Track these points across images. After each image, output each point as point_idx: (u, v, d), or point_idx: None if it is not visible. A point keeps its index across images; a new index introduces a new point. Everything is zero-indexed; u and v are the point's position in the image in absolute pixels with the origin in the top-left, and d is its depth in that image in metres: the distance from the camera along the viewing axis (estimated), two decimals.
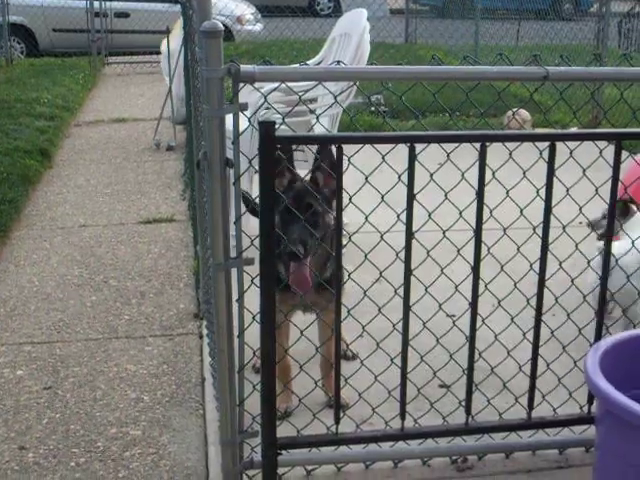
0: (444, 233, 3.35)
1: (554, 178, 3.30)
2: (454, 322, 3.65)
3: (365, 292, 3.45)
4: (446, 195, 3.22)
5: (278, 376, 3.47)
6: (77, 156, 9.50)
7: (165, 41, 9.52)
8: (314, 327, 4.07)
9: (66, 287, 5.96)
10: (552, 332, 3.73)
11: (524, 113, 9.58)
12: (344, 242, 3.27)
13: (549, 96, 10.58)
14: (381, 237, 3.28)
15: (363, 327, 3.55)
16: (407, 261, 3.24)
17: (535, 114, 9.73)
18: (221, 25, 2.86)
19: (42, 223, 7.29)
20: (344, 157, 3.08)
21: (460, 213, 3.25)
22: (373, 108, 10.12)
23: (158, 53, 10.50)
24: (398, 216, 3.14)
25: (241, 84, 2.96)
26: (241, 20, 17.00)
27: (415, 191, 3.15)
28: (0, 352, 5.04)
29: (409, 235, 3.18)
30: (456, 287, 3.56)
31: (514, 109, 8.86)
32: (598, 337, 3.57)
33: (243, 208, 3.13)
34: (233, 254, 3.10)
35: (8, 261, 6.45)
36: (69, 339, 5.20)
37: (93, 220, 7.35)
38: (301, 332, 3.60)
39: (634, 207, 4.68)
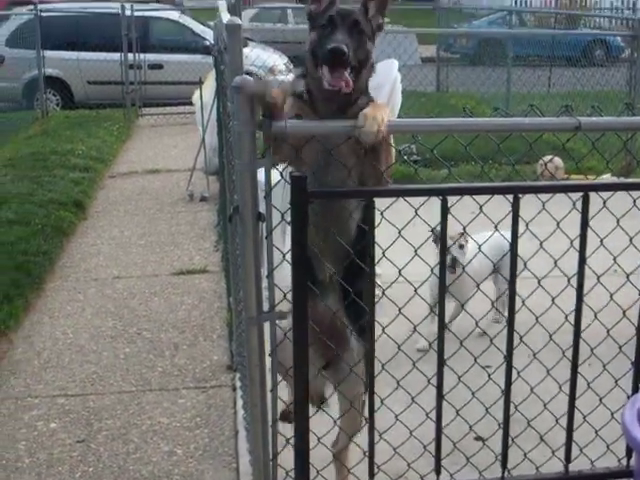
0: (478, 286, 3.32)
1: (588, 227, 3.27)
2: (489, 375, 3.60)
3: (399, 346, 3.42)
4: (479, 248, 3.20)
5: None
6: (111, 207, 9.57)
7: (198, 92, 9.60)
8: None
9: (100, 339, 5.97)
10: (589, 384, 3.67)
11: (557, 161, 9.54)
12: (378, 294, 3.25)
13: (582, 143, 10.52)
14: (415, 291, 3.26)
15: (398, 382, 3.51)
16: (441, 314, 3.21)
17: (568, 161, 9.69)
18: (252, 80, 2.87)
19: (76, 275, 7.33)
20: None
21: (494, 265, 3.22)
22: (405, 157, 10.14)
23: (191, 104, 10.58)
24: (432, 270, 3.12)
25: None
26: (274, 71, 17.11)
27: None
28: (34, 405, 5.05)
29: (442, 288, 3.16)
30: (491, 340, 3.53)
31: (547, 157, 8.83)
32: (635, 389, 3.51)
33: (276, 261, 3.12)
34: (266, 307, 3.09)
35: (43, 313, 6.48)
36: (102, 391, 5.20)
37: (127, 272, 7.38)
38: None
39: None
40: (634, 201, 3.35)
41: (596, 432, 3.78)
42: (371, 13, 3.30)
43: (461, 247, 5.10)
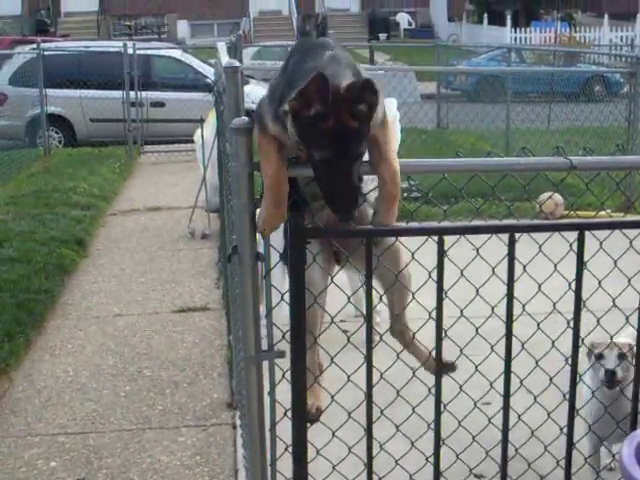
0: (477, 330, 3.34)
1: (586, 264, 3.29)
2: (490, 419, 3.60)
3: (398, 392, 3.43)
4: (477, 291, 3.22)
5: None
6: (113, 245, 9.61)
7: (199, 131, 9.66)
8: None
9: (100, 377, 5.98)
10: (590, 426, 3.67)
11: (557, 197, 9.55)
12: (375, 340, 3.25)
13: (582, 179, 10.57)
14: (413, 336, 3.27)
15: (397, 427, 3.52)
16: (438, 360, 3.21)
17: (568, 197, 9.73)
18: (250, 122, 2.91)
19: (77, 312, 7.35)
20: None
21: (492, 309, 3.24)
22: (405, 194, 10.20)
23: (193, 142, 10.64)
24: (430, 314, 3.13)
25: None
26: None
27: (446, 283, 3.14)
28: (34, 443, 5.05)
29: (439, 335, 3.16)
30: (491, 384, 3.54)
31: (547, 194, 8.86)
32: (633, 427, 3.52)
33: (274, 301, 3.14)
34: (265, 345, 3.11)
35: (44, 350, 6.50)
36: (103, 430, 5.21)
37: (128, 309, 7.40)
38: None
39: None
40: (630, 242, 3.36)
41: (597, 473, 3.79)
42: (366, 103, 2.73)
43: (622, 357, 3.96)
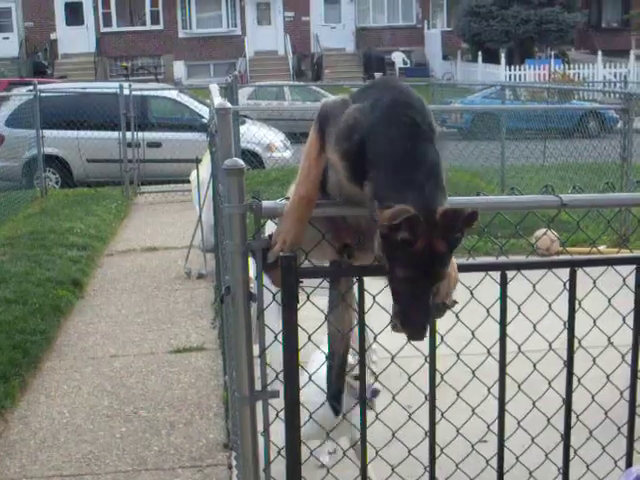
0: (474, 373, 3.34)
1: (581, 302, 3.29)
2: (487, 461, 3.59)
3: (394, 433, 3.42)
4: (473, 333, 3.23)
5: None
6: (109, 285, 9.61)
7: (195, 171, 9.70)
8: None
9: (96, 418, 5.96)
10: (588, 466, 3.66)
11: (551, 233, 9.62)
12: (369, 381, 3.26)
13: (576, 215, 10.60)
14: (409, 379, 3.27)
15: (393, 468, 3.51)
16: (431, 414, 3.22)
17: (563, 233, 9.76)
18: (242, 163, 2.91)
19: (73, 353, 7.34)
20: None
21: (488, 351, 3.25)
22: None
23: (189, 182, 10.68)
24: (426, 359, 3.14)
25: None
26: (271, 147, 17.29)
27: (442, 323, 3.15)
28: None
29: (432, 380, 3.16)
30: (488, 426, 3.53)
31: (541, 230, 8.91)
32: (629, 462, 3.51)
33: (267, 342, 3.15)
34: (259, 386, 3.11)
35: (39, 392, 6.48)
36: (98, 471, 5.19)
37: (124, 350, 7.39)
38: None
39: None
40: (624, 279, 3.37)
41: None
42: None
43: None
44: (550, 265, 3.21)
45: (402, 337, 2.65)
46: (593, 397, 3.72)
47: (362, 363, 3.11)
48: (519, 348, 3.35)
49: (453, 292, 2.85)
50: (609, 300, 3.41)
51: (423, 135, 2.71)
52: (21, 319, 7.74)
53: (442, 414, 3.37)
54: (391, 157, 2.65)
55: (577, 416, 3.49)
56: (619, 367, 3.68)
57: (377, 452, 3.48)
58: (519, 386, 3.48)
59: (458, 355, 3.28)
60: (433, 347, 3.07)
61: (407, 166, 2.63)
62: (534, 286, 3.25)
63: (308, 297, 3.20)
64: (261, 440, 3.16)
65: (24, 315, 7.85)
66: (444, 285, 2.79)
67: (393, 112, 2.73)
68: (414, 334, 2.62)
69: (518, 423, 3.52)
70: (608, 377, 3.60)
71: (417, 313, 2.60)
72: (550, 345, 3.44)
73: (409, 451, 3.48)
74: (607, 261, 3.34)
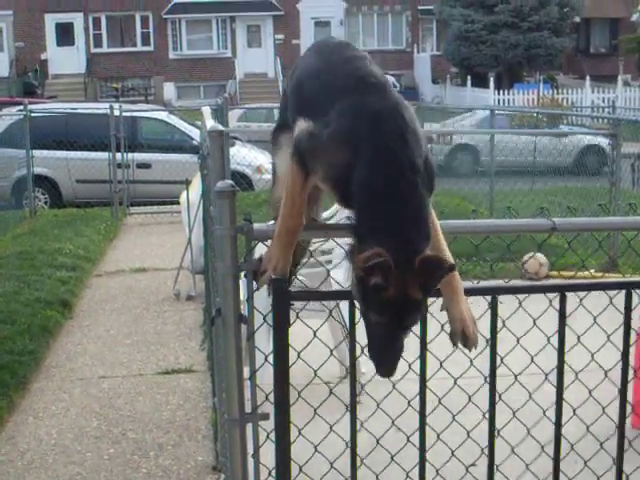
0: (470, 398, 3.35)
1: (567, 325, 3.31)
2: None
3: (378, 440, 3.42)
4: (472, 361, 3.24)
5: None
6: (97, 306, 9.58)
7: (184, 193, 9.71)
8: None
9: (84, 439, 5.94)
10: None
11: (540, 257, 9.65)
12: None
13: (565, 239, 10.66)
14: (393, 386, 3.28)
15: (377, 476, 3.51)
16: (422, 416, 3.22)
17: (552, 257, 9.80)
18: (234, 186, 2.93)
19: (62, 374, 7.31)
20: None
21: (485, 379, 3.26)
22: None
23: (178, 203, 10.68)
24: (409, 365, 3.15)
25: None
26: (261, 169, 17.32)
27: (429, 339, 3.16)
28: None
29: (423, 387, 3.17)
30: (482, 450, 3.53)
31: (530, 254, 8.93)
32: None
33: (258, 363, 3.15)
34: (249, 408, 3.11)
35: (27, 413, 6.45)
36: None
37: (112, 371, 7.37)
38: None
39: None
40: (610, 300, 3.39)
41: None
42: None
43: None
44: (540, 289, 3.22)
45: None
46: (588, 428, 3.73)
47: (353, 386, 3.12)
48: (516, 378, 3.37)
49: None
50: (594, 318, 3.42)
51: (410, 175, 2.64)
52: (9, 339, 7.71)
53: (438, 436, 3.39)
54: (374, 196, 2.62)
55: (572, 446, 3.51)
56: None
57: (362, 460, 3.46)
58: (514, 413, 3.49)
59: (455, 381, 3.28)
60: (424, 369, 3.07)
61: (389, 208, 2.58)
62: (520, 303, 3.26)
63: (297, 315, 3.22)
64: (251, 462, 3.15)
65: (12, 335, 7.82)
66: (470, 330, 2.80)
67: (381, 146, 2.68)
68: (384, 373, 2.64)
69: (512, 450, 3.53)
70: (604, 409, 3.62)
71: (388, 357, 2.61)
72: (546, 376, 3.43)
73: (407, 473, 3.48)
74: (597, 285, 3.36)
